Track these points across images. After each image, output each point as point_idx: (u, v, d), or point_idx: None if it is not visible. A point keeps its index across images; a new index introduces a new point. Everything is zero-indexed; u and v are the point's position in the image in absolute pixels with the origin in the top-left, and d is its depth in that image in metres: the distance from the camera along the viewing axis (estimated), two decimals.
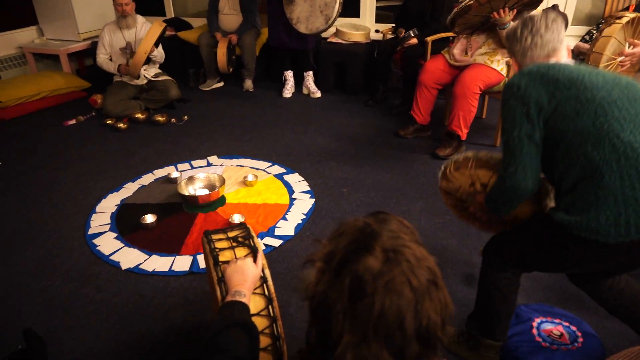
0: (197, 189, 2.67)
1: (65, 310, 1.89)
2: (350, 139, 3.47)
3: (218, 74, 4.70)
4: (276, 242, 2.27)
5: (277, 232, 2.35)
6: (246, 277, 1.22)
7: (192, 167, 3.08)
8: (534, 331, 1.62)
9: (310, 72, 4.43)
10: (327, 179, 2.88)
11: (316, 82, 4.48)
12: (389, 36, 4.19)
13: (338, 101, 4.29)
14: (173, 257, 2.18)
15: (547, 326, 1.65)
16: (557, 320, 1.67)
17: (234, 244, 1.39)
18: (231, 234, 1.44)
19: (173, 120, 3.88)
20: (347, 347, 0.63)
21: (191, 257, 2.17)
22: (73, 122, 3.92)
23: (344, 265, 0.66)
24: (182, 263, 2.14)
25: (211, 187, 2.68)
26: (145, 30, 3.91)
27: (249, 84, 4.61)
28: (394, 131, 3.55)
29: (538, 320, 1.67)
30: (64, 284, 2.04)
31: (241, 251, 1.37)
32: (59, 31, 4.94)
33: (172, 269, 2.11)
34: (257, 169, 3.01)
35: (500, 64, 2.95)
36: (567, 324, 1.66)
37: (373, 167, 3.04)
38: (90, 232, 2.39)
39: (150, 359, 1.67)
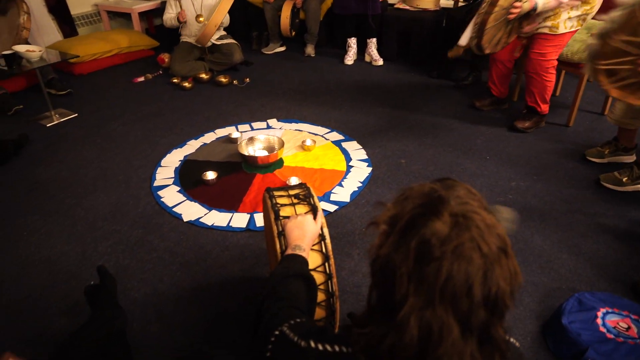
0: (256, 150, 2.71)
1: (133, 254, 2.02)
2: (411, 109, 3.38)
3: (281, 38, 4.69)
4: (331, 208, 2.29)
5: (332, 197, 2.36)
6: (305, 232, 1.24)
7: (252, 129, 3.14)
8: (598, 321, 1.54)
9: (374, 40, 4.31)
10: (385, 149, 2.84)
11: (379, 50, 4.37)
12: (462, 3, 3.98)
13: (400, 71, 4.17)
14: (231, 214, 2.25)
15: (613, 317, 1.56)
16: (624, 313, 1.58)
17: (295, 201, 1.41)
18: (292, 192, 1.47)
19: (235, 82, 3.94)
20: (412, 309, 0.62)
21: (248, 215, 2.24)
22: (142, 79, 4.08)
23: (410, 228, 0.65)
24: (239, 220, 2.21)
25: (270, 149, 2.72)
26: None
27: (310, 49, 4.57)
28: (458, 103, 3.42)
29: (603, 310, 1.59)
30: (132, 230, 2.17)
31: (301, 208, 1.39)
32: None
33: (230, 224, 2.18)
34: (316, 135, 3.01)
35: (569, 23, 2.62)
36: (635, 317, 1.56)
37: (434, 139, 2.95)
38: (156, 184, 2.52)
39: (208, 305, 1.75)
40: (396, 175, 2.57)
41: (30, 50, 3.18)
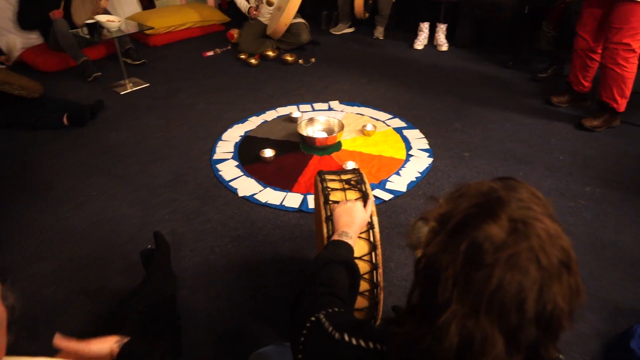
0: (315, 131, 2.70)
1: (188, 223, 2.09)
2: (481, 100, 3.20)
3: (350, 19, 4.60)
4: (386, 196, 2.23)
5: (388, 185, 2.30)
6: (354, 219, 1.21)
7: (314, 109, 3.12)
8: None
9: (444, 25, 4.12)
10: (448, 140, 2.72)
11: (452, 37, 4.17)
12: None
13: (473, 59, 3.96)
14: (285, 193, 2.26)
15: None
16: None
17: (346, 187, 1.38)
18: (344, 177, 1.43)
19: (301, 61, 3.92)
20: (454, 316, 0.57)
21: (302, 196, 2.23)
22: (211, 53, 4.18)
23: (462, 229, 0.59)
24: (293, 199, 2.21)
25: (329, 131, 2.69)
26: None
27: (380, 31, 4.45)
28: (533, 97, 3.19)
29: None
30: (190, 200, 2.24)
31: (352, 194, 1.36)
32: None
33: (283, 203, 2.19)
34: (377, 120, 2.94)
35: None
36: None
37: (502, 134, 2.78)
38: (215, 157, 2.58)
39: (255, 281, 1.78)
40: (458, 169, 2.46)
41: (111, 20, 3.34)
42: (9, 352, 0.81)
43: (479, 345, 0.55)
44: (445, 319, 0.57)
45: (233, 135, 2.80)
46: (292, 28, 4.07)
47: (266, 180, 2.35)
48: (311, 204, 2.17)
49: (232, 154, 2.60)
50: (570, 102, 3.05)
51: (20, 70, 3.49)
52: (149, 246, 1.82)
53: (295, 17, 4.12)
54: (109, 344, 0.99)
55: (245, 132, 2.83)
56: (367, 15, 4.21)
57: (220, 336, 1.58)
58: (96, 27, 3.31)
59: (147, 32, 4.14)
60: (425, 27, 4.19)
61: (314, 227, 2.03)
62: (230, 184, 2.34)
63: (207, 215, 2.14)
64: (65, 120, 2.89)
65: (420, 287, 0.66)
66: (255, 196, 2.24)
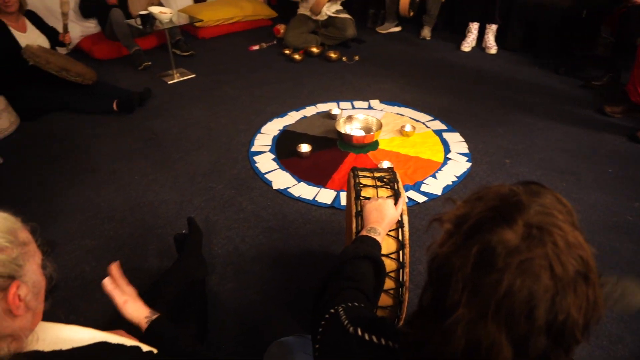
0: (353, 129, 2.69)
1: (222, 212, 2.14)
2: (527, 106, 3.09)
3: (397, 18, 4.55)
4: (420, 198, 2.20)
5: (423, 188, 2.27)
6: (384, 216, 1.20)
7: (353, 107, 3.11)
8: None
9: (494, 26, 4.00)
10: (489, 145, 2.64)
11: (502, 39, 4.04)
12: None
13: (523, 63, 3.82)
14: (319, 189, 2.27)
15: None
16: None
17: (379, 184, 1.37)
18: (377, 174, 1.43)
19: (344, 58, 3.92)
20: (460, 320, 0.56)
21: (335, 193, 2.24)
22: (256, 47, 4.25)
23: (475, 232, 0.58)
24: (325, 195, 2.22)
25: (367, 129, 2.68)
26: None
27: (427, 31, 4.38)
28: (584, 106, 3.05)
29: None
30: (225, 189, 2.30)
31: (384, 192, 1.35)
32: None
33: (316, 199, 2.20)
34: (417, 121, 2.90)
35: None
36: None
37: (547, 142, 2.67)
38: (253, 149, 2.62)
39: (283, 273, 1.80)
40: (497, 175, 2.39)
41: (163, 12, 3.46)
42: (45, 320, 0.86)
43: (486, 351, 0.54)
44: (453, 321, 0.56)
45: (272, 128, 2.84)
46: (337, 22, 4.07)
47: (301, 175, 2.37)
48: (344, 201, 2.17)
49: (269, 147, 2.64)
50: (625, 113, 2.89)
51: (77, 56, 3.67)
52: (183, 231, 1.88)
53: (342, 13, 4.12)
54: (140, 315, 1.04)
55: (284, 127, 2.86)
56: (411, 13, 4.15)
57: (245, 324, 1.61)
58: (149, 18, 3.43)
59: (197, 24, 4.25)
60: (474, 28, 4.09)
61: (345, 223, 2.03)
62: (266, 176, 2.38)
63: (241, 205, 2.18)
64: (115, 106, 3.03)
65: (431, 288, 0.65)
66: (289, 190, 2.27)
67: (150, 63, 3.76)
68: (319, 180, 2.33)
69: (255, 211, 2.14)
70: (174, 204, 2.20)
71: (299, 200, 2.21)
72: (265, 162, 2.49)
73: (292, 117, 2.97)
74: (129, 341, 0.90)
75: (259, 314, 1.65)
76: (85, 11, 4.06)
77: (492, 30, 4.01)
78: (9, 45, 2.91)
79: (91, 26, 4.24)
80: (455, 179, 2.33)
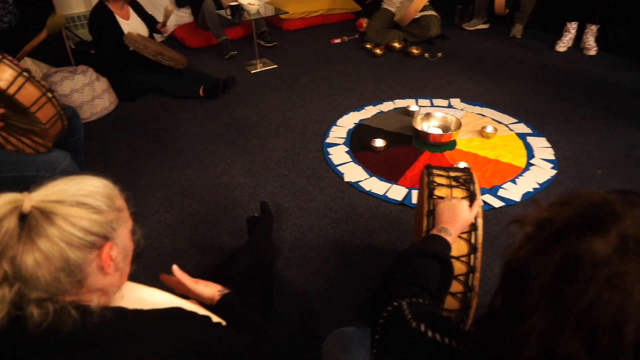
0: (430, 127, 2.62)
1: (293, 199, 2.19)
2: (626, 114, 2.82)
3: (486, 14, 4.35)
4: (496, 203, 2.10)
5: (500, 192, 2.16)
6: (457, 217, 1.17)
7: (432, 105, 3.03)
8: None
9: (595, 27, 3.67)
10: (579, 153, 2.45)
11: (603, 40, 3.71)
12: None
13: (625, 67, 3.49)
14: (390, 185, 2.24)
15: None
16: None
17: (454, 184, 1.33)
18: (453, 174, 1.38)
19: (426, 55, 3.83)
20: (535, 328, 0.52)
21: (406, 190, 2.20)
22: (338, 40, 4.27)
23: (560, 238, 0.54)
24: (396, 192, 2.19)
25: (445, 128, 2.59)
26: None
27: (518, 29, 4.14)
28: None
29: None
30: (297, 178, 2.35)
31: (458, 192, 1.31)
32: None
33: (387, 194, 2.18)
34: (499, 123, 2.76)
35: None
36: None
37: None
38: (328, 140, 2.65)
39: (348, 265, 1.81)
40: (586, 186, 2.21)
41: (251, 4, 3.59)
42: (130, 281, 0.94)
43: None
44: (525, 328, 0.53)
45: (348, 121, 2.84)
46: (422, 20, 3.97)
47: (373, 170, 2.36)
48: (415, 199, 2.13)
49: (344, 139, 2.65)
50: None
51: (170, 44, 3.93)
52: (255, 214, 1.95)
53: (426, 9, 4.02)
54: (212, 290, 1.10)
55: (360, 120, 2.85)
56: (507, 11, 3.94)
57: (307, 309, 1.64)
58: (238, 9, 3.58)
59: (282, 16, 4.36)
60: (572, 27, 3.80)
61: (414, 221, 1.99)
62: (338, 168, 2.39)
63: (311, 195, 2.22)
64: (201, 92, 3.20)
65: (504, 291, 0.62)
66: (360, 183, 2.27)
67: (236, 52, 3.93)
68: (391, 176, 2.30)
69: (324, 201, 2.17)
70: (248, 187, 2.29)
71: (370, 194, 2.20)
72: (339, 154, 2.51)
73: (368, 112, 2.96)
74: (201, 310, 0.95)
75: (320, 301, 1.67)
76: (181, 0, 4.32)
77: (592, 30, 3.70)
78: (115, 31, 3.17)
79: (185, 16, 4.51)
80: (537, 186, 2.19)
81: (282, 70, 3.69)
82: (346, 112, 2.96)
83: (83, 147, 1.86)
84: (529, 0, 3.96)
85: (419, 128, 2.56)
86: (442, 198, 1.27)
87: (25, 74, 1.21)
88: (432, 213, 1.24)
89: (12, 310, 0.77)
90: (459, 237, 1.22)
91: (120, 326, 0.78)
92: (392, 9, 4.13)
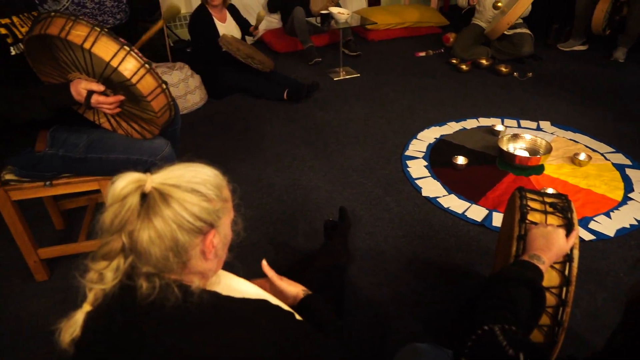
0: (517, 149, 2.51)
1: (369, 208, 2.19)
2: None
3: (585, 35, 4.10)
4: (587, 236, 1.96)
5: (592, 225, 2.02)
6: (551, 246, 1.11)
7: (519, 126, 2.90)
8: None
9: None
10: None
11: None
12: None
13: None
14: (470, 204, 2.18)
15: None
16: None
17: (549, 210, 1.27)
18: (548, 200, 1.32)
19: (515, 74, 3.68)
20: None
21: (487, 211, 2.12)
22: (423, 54, 4.22)
23: None
24: (476, 212, 2.12)
25: (533, 151, 2.47)
26: None
27: (621, 52, 3.86)
28: None
29: None
30: (374, 187, 2.34)
31: (554, 219, 1.24)
32: None
33: (465, 214, 2.12)
34: (594, 150, 2.58)
35: None
36: None
37: None
38: (407, 153, 2.62)
39: (421, 279, 1.78)
40: None
41: (341, 13, 3.65)
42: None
43: None
44: None
45: (428, 135, 2.80)
46: (514, 37, 3.83)
47: (452, 187, 2.30)
48: (496, 221, 2.05)
49: (423, 153, 2.61)
50: None
51: (259, 47, 4.09)
52: (331, 218, 1.97)
53: (520, 27, 3.87)
54: (296, 288, 1.12)
55: (441, 136, 2.80)
56: (608, 32, 3.69)
57: (377, 320, 1.63)
58: (327, 18, 3.66)
59: (368, 26, 4.40)
60: None
61: (494, 246, 1.92)
62: (416, 181, 2.36)
63: (387, 205, 2.20)
64: (285, 95, 3.30)
65: (627, 331, 0.59)
66: (438, 199, 2.22)
67: (320, 59, 4.01)
68: (472, 195, 2.23)
69: (400, 214, 2.15)
70: (325, 192, 2.32)
71: (447, 211, 2.14)
72: (418, 168, 2.47)
73: (450, 127, 2.90)
74: (285, 306, 0.98)
75: (390, 313, 1.65)
76: (272, 7, 4.49)
77: None
78: (211, 33, 3.37)
79: (274, 21, 4.69)
80: (635, 223, 2.02)
81: (365, 79, 3.72)
82: (427, 126, 2.92)
83: (179, 137, 1.98)
84: (636, 22, 3.69)
85: (505, 149, 2.46)
86: (535, 223, 1.21)
87: (146, 65, 1.32)
88: (523, 238, 1.19)
89: (124, 279, 0.84)
90: (551, 267, 1.16)
91: (216, 310, 0.82)
92: (483, 25, 4.02)
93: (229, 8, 3.57)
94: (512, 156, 2.40)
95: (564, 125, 2.89)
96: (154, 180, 0.80)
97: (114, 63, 1.30)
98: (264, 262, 1.18)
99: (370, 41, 4.63)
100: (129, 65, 1.30)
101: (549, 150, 2.40)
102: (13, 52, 1.41)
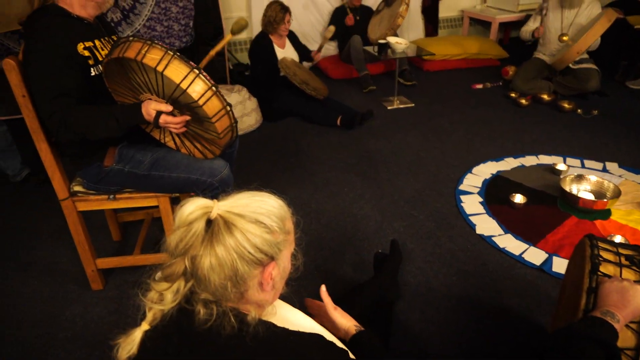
0: (581, 190, 2.38)
1: (419, 242, 2.12)
2: None
3: None
4: None
5: None
6: (627, 303, 1.02)
7: (583, 166, 2.76)
8: None
9: None
10: None
11: None
12: None
13: None
14: (528, 246, 2.07)
15: None
16: None
17: (624, 263, 1.17)
18: (623, 251, 1.22)
19: (579, 111, 3.52)
20: None
21: (546, 255, 2.00)
22: (480, 86, 4.14)
23: None
24: (534, 255, 2.01)
25: (599, 194, 2.33)
26: (592, 12, 3.57)
27: None
28: None
29: None
30: (426, 220, 2.28)
31: (630, 274, 1.14)
32: (501, 0, 5.16)
33: (523, 256, 2.01)
34: None
35: None
36: None
37: None
38: (461, 187, 2.55)
39: (473, 320, 1.69)
40: None
41: (398, 42, 3.67)
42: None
43: None
44: None
45: (484, 170, 2.71)
46: (579, 72, 3.68)
47: (509, 226, 2.20)
48: (556, 267, 1.93)
49: (478, 189, 2.53)
50: None
51: (315, 72, 4.17)
52: (380, 250, 1.93)
53: (586, 62, 3.72)
54: (349, 322, 1.09)
55: (498, 171, 2.70)
56: None
57: (424, 358, 1.56)
58: (385, 47, 3.68)
59: (425, 57, 4.38)
60: None
61: (555, 293, 1.80)
62: (470, 218, 2.28)
63: (439, 240, 2.14)
64: (338, 121, 3.32)
65: None
66: (494, 238, 2.12)
67: (375, 87, 4.03)
68: (530, 236, 2.12)
69: (452, 250, 2.07)
70: (375, 222, 2.28)
71: (503, 252, 2.05)
72: (472, 204, 2.39)
73: (508, 163, 2.79)
74: (338, 342, 0.95)
75: (437, 352, 1.57)
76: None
77: None
78: (271, 58, 3.47)
79: (330, 49, 4.77)
80: None
81: (419, 109, 3.68)
82: (483, 160, 2.83)
83: (235, 158, 2.03)
84: None
85: (568, 189, 2.33)
86: (609, 276, 1.12)
87: (213, 88, 1.37)
88: (594, 291, 1.10)
89: (183, 302, 0.85)
90: (627, 326, 1.06)
91: (271, 343, 0.81)
92: (545, 58, 3.90)
93: (289, 35, 3.67)
94: (575, 198, 2.27)
95: (634, 168, 2.71)
96: (220, 207, 0.81)
97: (184, 85, 1.35)
98: (323, 288, 1.17)
99: (426, 71, 4.60)
100: (197, 88, 1.35)
101: (617, 194, 2.25)
102: (93, 73, 1.50)
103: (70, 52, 1.43)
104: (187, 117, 1.47)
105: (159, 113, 1.43)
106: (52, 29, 1.40)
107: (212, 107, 1.40)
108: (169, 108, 1.44)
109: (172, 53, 1.35)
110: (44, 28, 1.40)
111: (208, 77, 1.39)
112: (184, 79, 1.35)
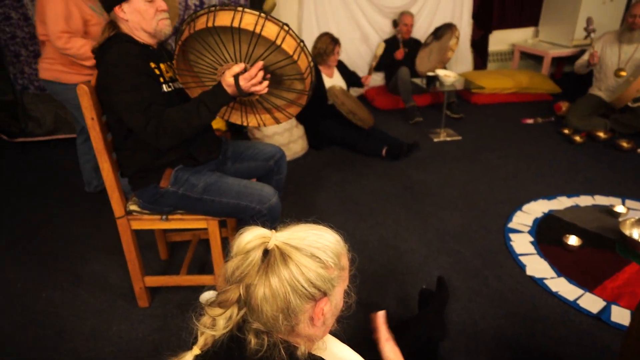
0: None
1: (465, 280, 2.05)
2: None
3: None
4: None
5: None
6: None
7: None
8: None
9: None
10: None
11: None
12: None
13: None
14: (583, 291, 1.95)
15: None
16: None
17: None
18: None
19: (639, 150, 3.35)
20: None
21: (604, 303, 1.88)
22: (531, 121, 4.04)
23: None
24: (591, 302, 1.89)
25: None
26: None
27: None
28: None
29: None
30: (473, 258, 2.21)
31: None
32: (555, 35, 5.06)
33: (578, 302, 1.90)
34: None
35: None
36: None
37: None
38: (510, 225, 2.46)
39: None
40: None
41: (447, 75, 3.65)
42: None
43: None
44: None
45: (535, 209, 2.61)
46: (639, 110, 3.53)
47: (562, 269, 2.09)
48: (616, 316, 1.81)
49: (529, 227, 2.43)
50: None
51: (361, 102, 4.20)
52: (424, 286, 1.88)
53: None
54: (398, 357, 1.07)
55: (550, 210, 2.59)
56: None
57: None
58: (433, 79, 3.68)
59: (473, 90, 4.34)
60: None
61: (618, 346, 1.68)
62: (520, 258, 2.19)
63: (486, 279, 2.06)
64: (384, 152, 3.32)
65: None
66: (546, 281, 2.02)
67: (421, 119, 4.01)
68: (586, 282, 2.01)
69: (501, 290, 1.99)
70: (419, 256, 2.23)
71: (556, 296, 1.94)
72: (522, 243, 2.30)
73: (561, 202, 2.68)
74: None
75: None
76: (378, 65, 4.63)
77: None
78: (318, 86, 3.53)
79: (377, 79, 4.82)
80: None
81: (467, 142, 3.62)
82: (535, 198, 2.73)
83: (283, 185, 2.05)
84: None
85: (628, 234, 2.20)
86: None
87: (285, 27, 1.39)
88: None
89: (235, 330, 0.85)
90: None
91: None
92: (601, 94, 3.77)
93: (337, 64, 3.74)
94: (637, 243, 2.14)
95: None
96: (277, 238, 0.82)
97: (278, 42, 1.38)
98: (381, 314, 1.16)
99: (474, 104, 4.54)
100: (270, 31, 1.37)
101: None
102: (164, 90, 1.59)
103: (147, 68, 1.53)
104: (261, 63, 1.47)
105: (236, 78, 1.47)
106: (129, 51, 1.50)
107: (288, 45, 1.42)
108: (241, 66, 1.48)
109: (264, 15, 1.38)
110: (122, 51, 1.49)
111: (276, 19, 1.40)
112: (277, 36, 1.38)
